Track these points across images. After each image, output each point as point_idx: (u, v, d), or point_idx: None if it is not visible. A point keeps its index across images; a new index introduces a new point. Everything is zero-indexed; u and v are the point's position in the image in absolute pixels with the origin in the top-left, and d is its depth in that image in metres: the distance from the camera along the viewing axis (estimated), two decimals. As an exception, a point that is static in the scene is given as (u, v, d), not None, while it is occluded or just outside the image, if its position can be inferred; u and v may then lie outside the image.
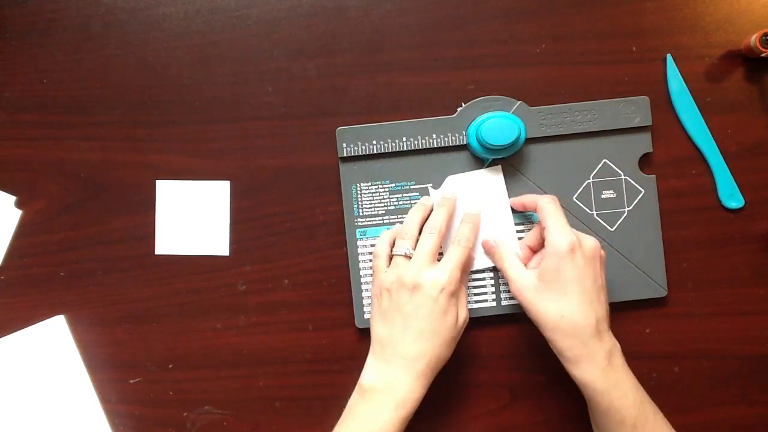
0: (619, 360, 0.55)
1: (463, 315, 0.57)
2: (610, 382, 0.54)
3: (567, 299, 0.54)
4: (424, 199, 0.62)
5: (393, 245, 0.60)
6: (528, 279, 0.56)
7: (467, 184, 0.62)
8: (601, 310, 0.55)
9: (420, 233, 0.59)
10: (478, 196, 0.62)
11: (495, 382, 0.64)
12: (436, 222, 0.59)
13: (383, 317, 0.57)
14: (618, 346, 0.55)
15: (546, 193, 0.63)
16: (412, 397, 0.55)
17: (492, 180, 0.62)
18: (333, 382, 0.64)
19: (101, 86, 0.64)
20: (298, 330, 0.64)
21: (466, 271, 0.60)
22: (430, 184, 0.63)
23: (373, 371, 0.56)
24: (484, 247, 0.62)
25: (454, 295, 0.56)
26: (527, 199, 0.61)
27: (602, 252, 0.57)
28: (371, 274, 0.62)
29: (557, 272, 0.54)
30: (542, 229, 0.57)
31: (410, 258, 0.58)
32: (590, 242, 0.56)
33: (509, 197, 0.62)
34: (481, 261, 0.62)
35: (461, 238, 0.59)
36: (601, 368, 0.54)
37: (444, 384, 0.64)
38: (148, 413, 0.64)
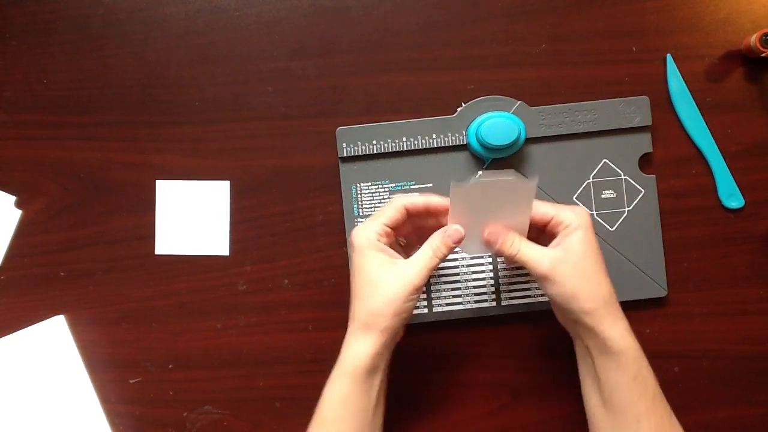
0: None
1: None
2: (640, 348, 0.54)
3: (597, 266, 0.54)
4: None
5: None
6: (553, 255, 0.54)
7: (494, 190, 0.53)
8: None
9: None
10: (501, 204, 0.54)
11: (495, 382, 0.64)
12: (408, 197, 0.56)
13: None
14: None
15: (546, 193, 0.63)
16: (352, 352, 0.54)
17: (523, 193, 0.54)
18: (333, 382, 0.63)
19: (101, 86, 0.64)
20: (298, 330, 0.64)
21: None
22: (452, 182, 0.54)
23: None
24: (489, 238, 0.55)
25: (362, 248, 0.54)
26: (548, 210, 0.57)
27: None
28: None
29: (586, 244, 0.53)
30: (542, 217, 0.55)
31: None
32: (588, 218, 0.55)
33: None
34: (476, 247, 0.57)
35: (436, 247, 0.54)
36: (632, 333, 0.54)
37: (444, 384, 0.64)
38: (148, 413, 0.64)
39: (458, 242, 0.55)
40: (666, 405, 0.55)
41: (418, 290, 0.54)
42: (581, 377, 0.58)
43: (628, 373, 0.53)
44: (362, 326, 0.54)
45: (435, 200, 0.56)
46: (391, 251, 0.55)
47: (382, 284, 0.54)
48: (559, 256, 0.53)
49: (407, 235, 0.58)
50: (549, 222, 0.55)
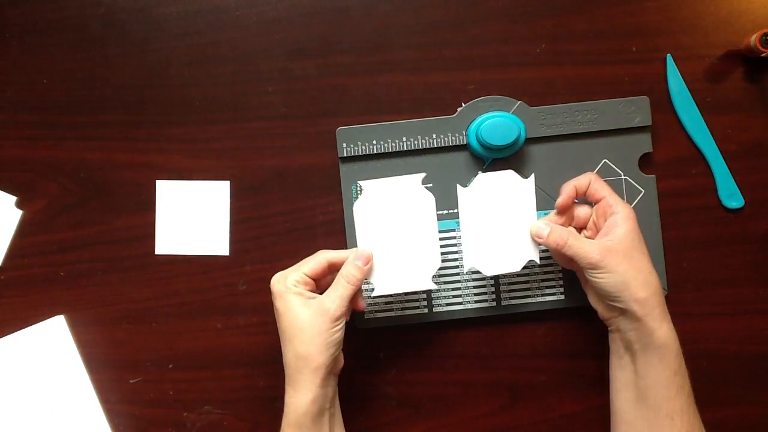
0: None
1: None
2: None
3: (646, 258, 0.55)
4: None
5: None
6: (603, 244, 0.55)
7: (496, 185, 0.58)
8: None
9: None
10: (505, 199, 0.58)
11: (495, 382, 0.64)
12: (333, 253, 0.57)
13: None
14: None
15: (546, 193, 0.63)
16: (292, 403, 0.54)
17: (522, 186, 0.58)
18: (333, 382, 0.63)
19: (101, 86, 0.64)
20: (298, 330, 0.64)
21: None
22: (458, 184, 0.60)
23: None
24: (536, 232, 0.57)
25: (281, 294, 0.55)
26: (577, 182, 0.58)
27: None
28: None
29: (635, 235, 0.55)
30: (597, 205, 0.57)
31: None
32: None
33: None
34: (510, 263, 0.58)
35: (348, 274, 0.55)
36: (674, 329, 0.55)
37: (444, 384, 0.64)
38: (148, 413, 0.64)
39: (367, 262, 0.56)
40: (695, 406, 0.55)
41: (337, 320, 0.54)
42: (612, 372, 0.58)
43: (670, 368, 0.54)
44: (295, 372, 0.54)
45: (361, 253, 0.56)
46: (309, 293, 0.55)
47: (302, 323, 0.54)
48: (609, 246, 0.54)
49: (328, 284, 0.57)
50: (600, 200, 0.56)
